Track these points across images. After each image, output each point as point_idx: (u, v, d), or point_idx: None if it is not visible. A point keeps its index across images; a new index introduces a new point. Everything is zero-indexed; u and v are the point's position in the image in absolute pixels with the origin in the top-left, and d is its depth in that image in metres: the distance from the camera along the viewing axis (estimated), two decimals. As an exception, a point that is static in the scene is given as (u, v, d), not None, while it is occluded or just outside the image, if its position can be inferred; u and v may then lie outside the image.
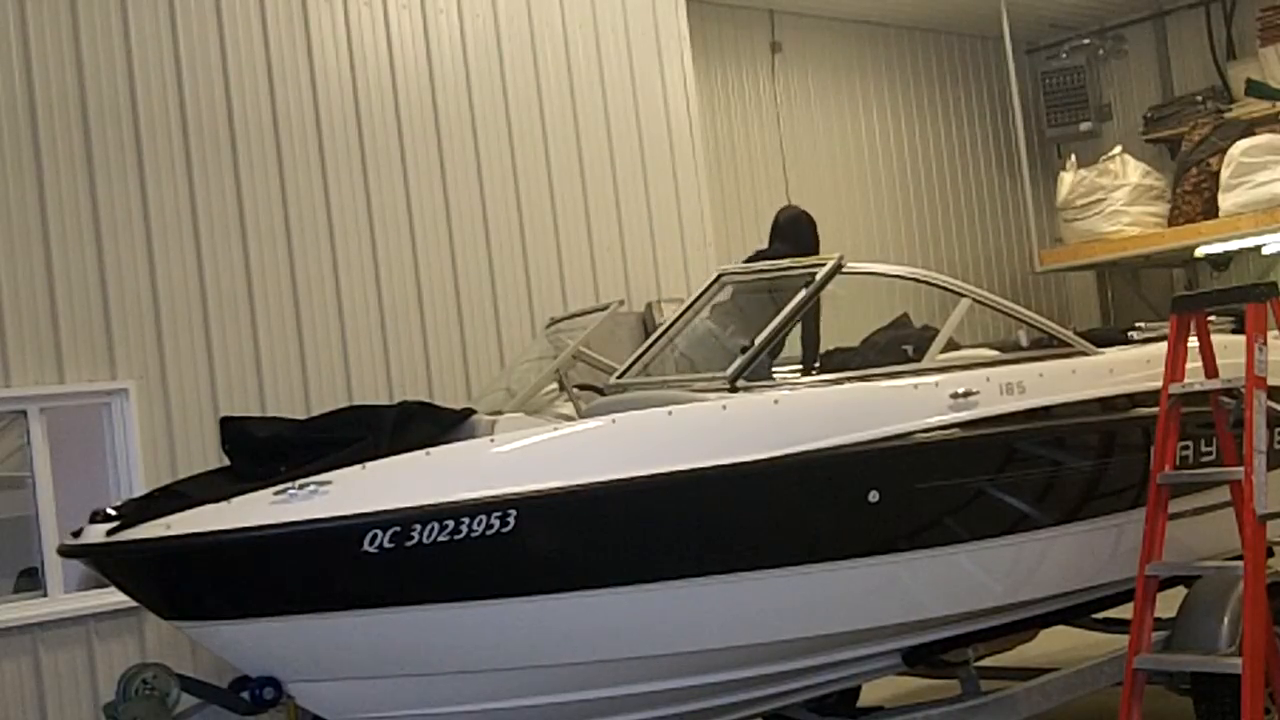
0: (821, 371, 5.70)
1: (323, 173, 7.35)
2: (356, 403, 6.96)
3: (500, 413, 5.76)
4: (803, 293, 5.51)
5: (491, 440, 4.87)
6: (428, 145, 7.79)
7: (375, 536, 4.40)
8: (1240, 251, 11.69)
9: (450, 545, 4.44)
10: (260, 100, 7.17)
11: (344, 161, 7.43)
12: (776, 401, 5.12)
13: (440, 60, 7.91)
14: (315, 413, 6.56)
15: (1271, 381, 5.55)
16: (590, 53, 8.60)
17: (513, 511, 4.48)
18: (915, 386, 5.35)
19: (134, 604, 5.31)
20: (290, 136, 7.25)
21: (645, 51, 8.85)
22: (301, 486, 4.49)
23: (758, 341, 5.36)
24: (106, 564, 4.83)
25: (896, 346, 5.83)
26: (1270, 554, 6.01)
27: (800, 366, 6.01)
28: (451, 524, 4.44)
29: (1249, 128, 11.15)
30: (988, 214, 12.81)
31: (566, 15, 8.52)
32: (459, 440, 5.00)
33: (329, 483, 4.50)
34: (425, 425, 5.19)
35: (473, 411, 5.48)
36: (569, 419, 5.80)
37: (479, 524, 4.46)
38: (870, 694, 6.57)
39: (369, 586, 4.52)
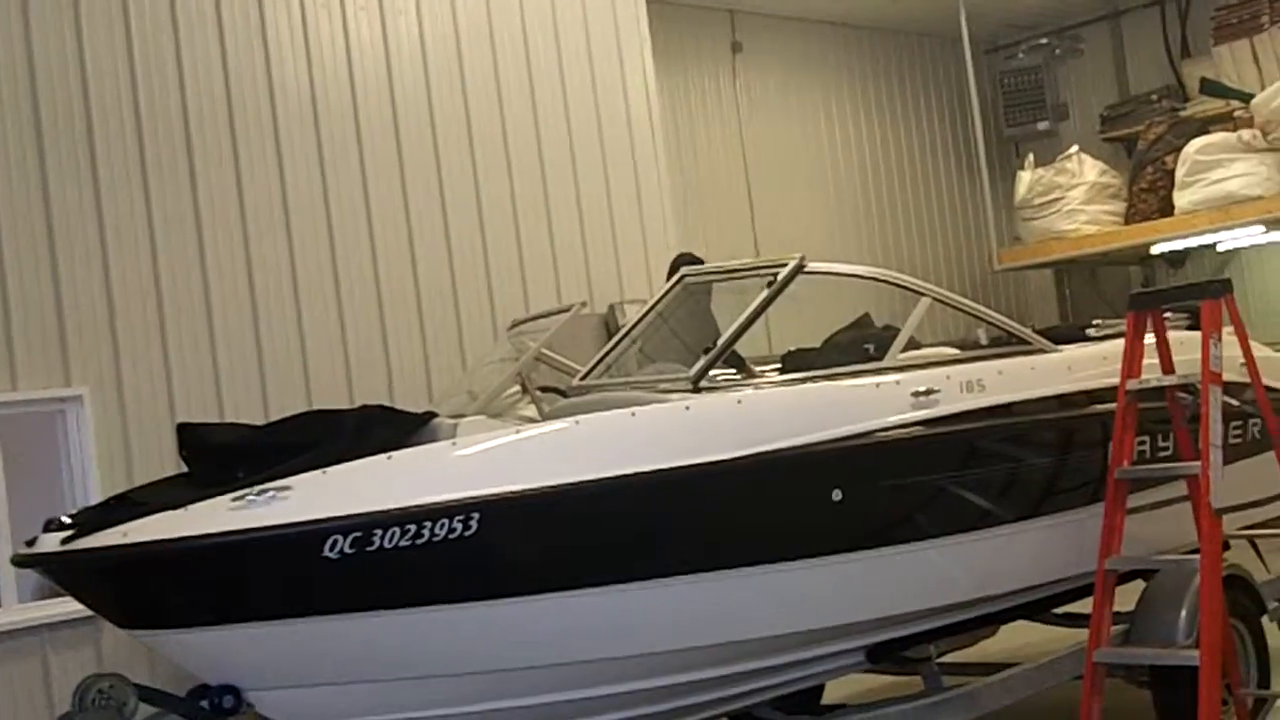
0: (784, 371, 5.70)
1: (280, 176, 7.29)
2: (316, 407, 6.90)
3: (462, 415, 5.72)
4: (765, 293, 5.52)
5: (454, 443, 4.85)
6: (386, 148, 7.75)
7: (336, 542, 4.36)
8: (1196, 249, 11.81)
9: (413, 550, 4.41)
10: (216, 103, 7.11)
11: (302, 164, 7.38)
12: (740, 402, 5.12)
13: (399, 63, 7.87)
14: (274, 418, 6.51)
15: (1227, 377, 5.61)
16: (550, 54, 8.58)
17: (476, 515, 4.46)
18: (877, 385, 5.37)
19: (90, 613, 5.24)
20: (247, 140, 7.19)
21: (606, 52, 8.83)
22: (261, 492, 4.44)
23: (720, 342, 5.36)
24: (62, 573, 4.77)
25: (858, 346, 5.85)
26: (1226, 547, 6.08)
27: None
28: (414, 528, 4.40)
29: (1203, 126, 11.26)
30: (947, 213, 12.88)
31: (526, 17, 8.50)
32: (420, 444, 4.96)
33: (288, 488, 4.46)
34: (386, 429, 5.14)
35: (434, 414, 5.45)
36: (532, 421, 5.78)
37: (441, 528, 4.43)
38: (833, 692, 6.58)
39: (330, 592, 4.48)
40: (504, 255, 8.11)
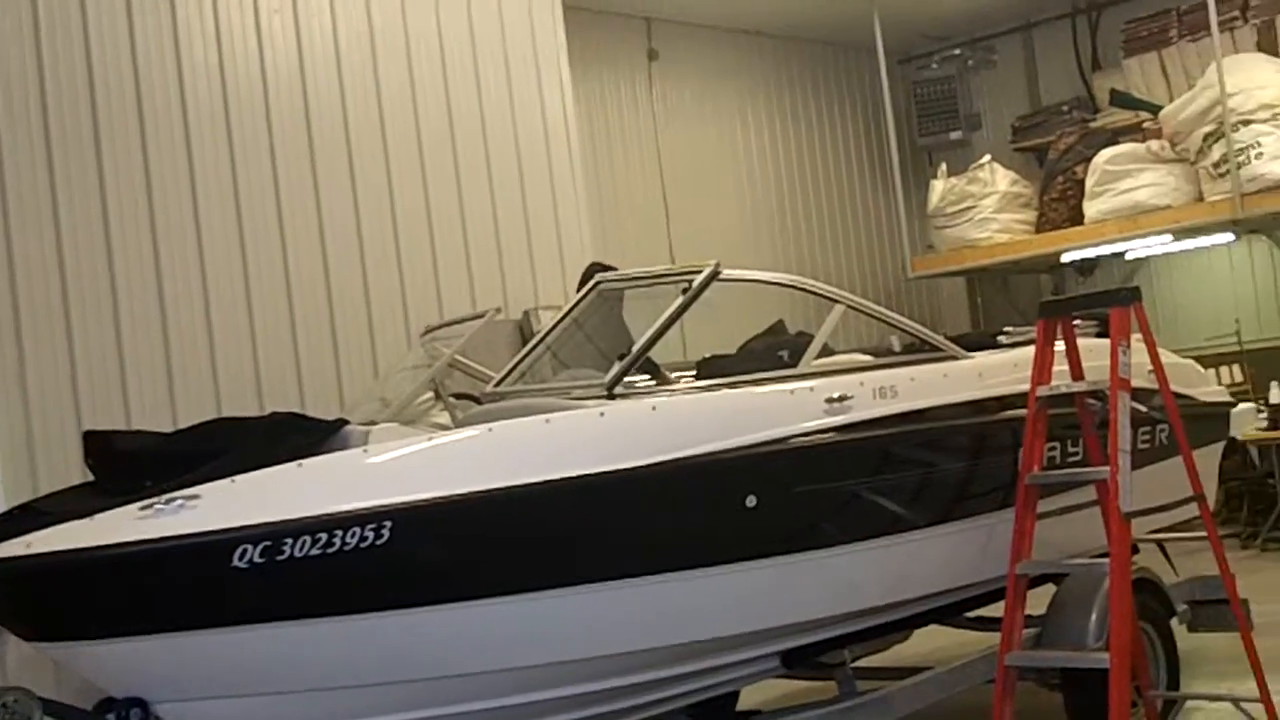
0: (699, 378, 5.71)
1: (191, 179, 7.16)
2: (225, 414, 6.79)
3: (374, 423, 5.67)
4: (680, 299, 5.52)
5: (365, 451, 4.79)
6: (299, 151, 7.64)
7: (245, 551, 4.29)
8: (1105, 257, 12.05)
9: (324, 559, 4.36)
10: (126, 102, 6.96)
11: (212, 168, 7.25)
12: (654, 408, 5.12)
13: (313, 66, 7.76)
14: (182, 424, 6.38)
15: (1135, 383, 5.71)
16: (466, 58, 8.52)
17: (388, 523, 4.41)
18: (791, 392, 5.40)
19: (-8, 626, 5.11)
20: (157, 140, 7.04)
21: (522, 58, 8.79)
22: (168, 501, 4.36)
23: (635, 349, 5.36)
24: (-38, 585, 4.64)
25: (772, 353, 5.87)
26: (1135, 551, 6.19)
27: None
28: (325, 537, 4.35)
29: (1113, 137, 11.48)
30: (861, 221, 13.01)
31: (442, 22, 8.43)
32: (332, 451, 4.91)
33: (197, 497, 4.38)
34: (296, 436, 5.07)
35: (346, 422, 5.39)
36: (445, 428, 5.74)
37: (353, 536, 4.38)
38: (748, 698, 6.60)
39: (240, 603, 4.41)
40: (418, 260, 8.04)
